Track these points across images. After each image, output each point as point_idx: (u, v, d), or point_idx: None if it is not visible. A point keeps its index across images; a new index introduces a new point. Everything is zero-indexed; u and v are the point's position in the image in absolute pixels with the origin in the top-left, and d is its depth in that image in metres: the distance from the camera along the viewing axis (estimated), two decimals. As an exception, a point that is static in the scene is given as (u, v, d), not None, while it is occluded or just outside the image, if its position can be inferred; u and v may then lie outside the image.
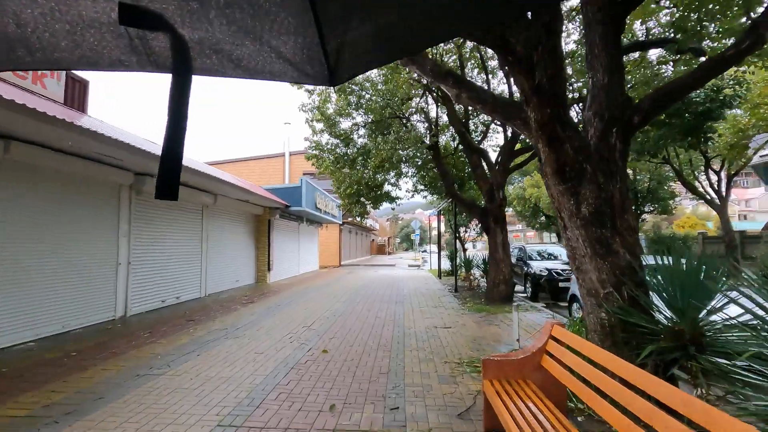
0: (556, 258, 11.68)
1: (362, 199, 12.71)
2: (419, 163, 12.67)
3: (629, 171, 19.25)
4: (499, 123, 11.28)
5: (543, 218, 33.08)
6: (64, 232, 6.48)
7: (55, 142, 5.80)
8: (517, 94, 8.52)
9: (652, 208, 20.42)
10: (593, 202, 3.53)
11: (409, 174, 13.55)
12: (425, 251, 60.78)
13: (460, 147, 11.73)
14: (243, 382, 4.20)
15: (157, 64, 0.95)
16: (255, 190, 12.40)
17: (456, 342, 5.92)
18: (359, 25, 1.02)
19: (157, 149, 6.77)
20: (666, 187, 19.43)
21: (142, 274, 8.28)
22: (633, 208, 18.34)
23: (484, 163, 10.27)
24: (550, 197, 3.92)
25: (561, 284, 10.08)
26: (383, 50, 1.19)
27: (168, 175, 0.80)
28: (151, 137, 10.65)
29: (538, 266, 10.70)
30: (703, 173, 18.23)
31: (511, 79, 7.50)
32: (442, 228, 25.78)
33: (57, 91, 7.77)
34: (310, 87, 10.60)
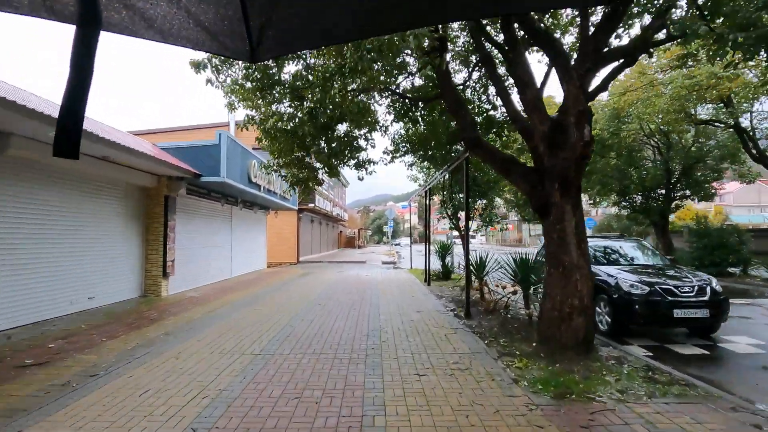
0: (628, 260, 7.00)
1: (310, 159, 7.59)
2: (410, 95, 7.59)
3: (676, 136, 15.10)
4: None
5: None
6: None
7: None
8: None
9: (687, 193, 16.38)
10: None
11: (388, 123, 8.45)
12: (399, 244, 56.13)
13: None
14: None
15: (54, 11, 0.87)
16: (114, 138, 6.94)
17: None
18: (288, 4, 1.00)
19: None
20: (714, 160, 15.33)
21: None
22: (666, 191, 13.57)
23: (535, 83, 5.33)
24: None
25: (677, 312, 5.38)
26: (313, 34, 1.13)
27: (67, 132, 0.77)
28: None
29: (625, 278, 5.94)
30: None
31: None
32: (415, 220, 20.84)
33: None
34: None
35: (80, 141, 0.81)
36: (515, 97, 6.15)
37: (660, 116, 12.49)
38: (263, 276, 14.51)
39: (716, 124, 14.01)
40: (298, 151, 7.09)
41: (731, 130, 13.46)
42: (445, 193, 11.11)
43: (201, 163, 9.73)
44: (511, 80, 6.58)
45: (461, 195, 11.28)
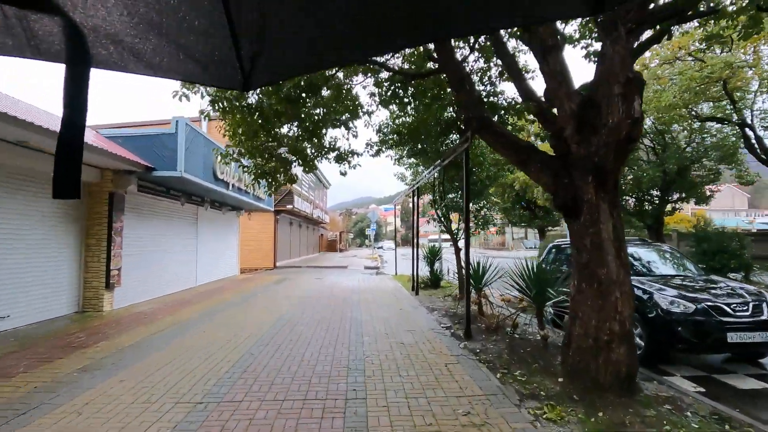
0: (658, 270, 6.00)
1: (278, 145, 6.34)
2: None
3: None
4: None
5: (526, 211, 28.42)
6: None
7: None
8: None
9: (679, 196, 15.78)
10: None
11: (373, 108, 7.26)
12: (381, 248, 54.91)
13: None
14: None
15: (41, 51, 0.87)
16: (32, 119, 5.53)
17: None
18: (278, 32, 0.99)
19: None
20: (711, 161, 14.71)
21: None
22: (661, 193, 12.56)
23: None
24: None
25: (732, 336, 4.37)
26: (306, 60, 1.13)
27: (67, 171, 0.76)
28: None
29: (663, 293, 4.89)
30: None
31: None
32: (399, 223, 19.66)
33: None
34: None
35: (80, 180, 0.80)
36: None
37: (662, 113, 11.74)
38: (233, 284, 13.06)
39: (722, 122, 13.36)
40: (263, 134, 5.83)
41: (736, 128, 12.86)
42: (436, 191, 9.98)
43: (155, 155, 8.32)
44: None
45: (451, 195, 10.19)
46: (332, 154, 7.10)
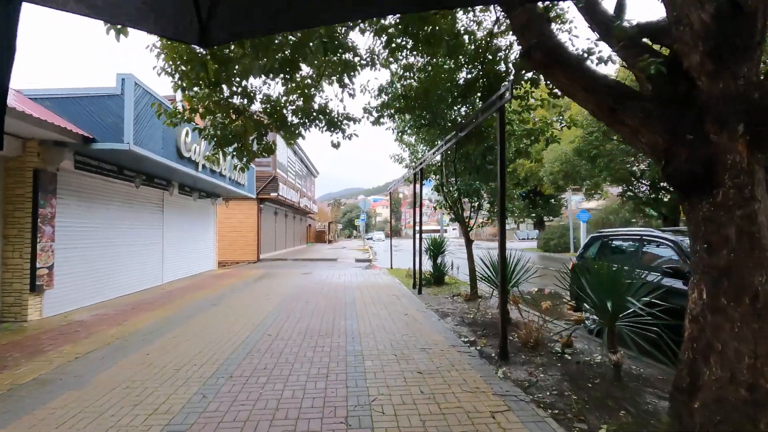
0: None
1: (261, 115, 4.73)
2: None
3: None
4: None
5: (524, 200, 27.14)
6: None
7: None
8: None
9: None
10: None
11: (378, 58, 5.57)
12: (371, 239, 53.33)
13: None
14: None
15: None
16: None
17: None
18: None
19: None
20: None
21: None
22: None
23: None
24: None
25: None
26: (273, 16, 1.02)
27: None
28: None
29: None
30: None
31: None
32: (387, 213, 17.92)
33: None
34: None
35: (2, 130, 0.77)
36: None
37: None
38: (207, 280, 11.39)
39: None
40: (225, 82, 4.18)
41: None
42: (445, 172, 8.43)
43: (95, 123, 6.57)
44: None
45: (455, 180, 8.60)
46: (322, 120, 5.46)
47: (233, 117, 4.64)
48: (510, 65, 5.42)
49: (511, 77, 4.96)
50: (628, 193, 15.88)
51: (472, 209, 8.38)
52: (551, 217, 27.59)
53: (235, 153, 5.11)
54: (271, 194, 20.04)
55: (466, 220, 8.34)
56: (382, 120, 6.54)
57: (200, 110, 4.54)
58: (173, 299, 8.28)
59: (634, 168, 14.20)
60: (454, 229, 58.38)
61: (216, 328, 5.84)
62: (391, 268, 14.99)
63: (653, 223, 16.51)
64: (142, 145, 6.99)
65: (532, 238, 50.21)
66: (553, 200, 27.01)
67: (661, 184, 14.84)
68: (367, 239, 48.09)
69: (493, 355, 4.63)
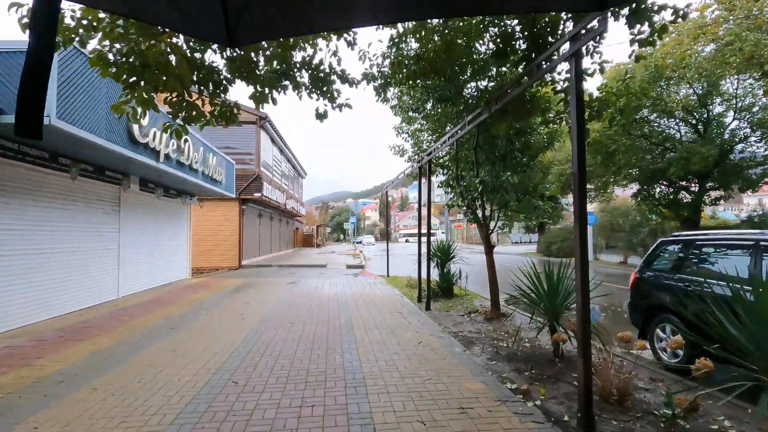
0: None
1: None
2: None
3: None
4: None
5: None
6: None
7: None
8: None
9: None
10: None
11: None
12: (361, 242, 51.61)
13: None
14: None
15: None
16: None
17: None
18: None
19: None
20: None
21: None
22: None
23: None
24: None
25: None
26: (298, 19, 1.10)
27: (29, 107, 0.71)
28: None
29: None
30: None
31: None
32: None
33: None
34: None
35: (43, 118, 0.74)
36: None
37: (734, 68, 9.12)
38: (175, 293, 9.65)
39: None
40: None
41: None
42: (461, 165, 6.93)
43: (6, 91, 4.88)
44: None
45: (476, 172, 7.06)
46: (305, 75, 3.88)
47: (158, 46, 2.98)
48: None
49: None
50: (644, 193, 14.66)
51: (493, 209, 6.88)
52: (551, 220, 26.38)
53: (169, 107, 3.46)
54: (255, 195, 18.32)
55: (487, 222, 6.84)
56: (389, 89, 4.98)
57: (104, 26, 2.90)
58: (123, 321, 6.57)
59: (656, 165, 12.96)
60: (443, 233, 56.84)
61: (164, 369, 4.19)
62: (388, 275, 13.43)
63: (667, 225, 15.35)
64: (74, 122, 5.31)
65: (526, 242, 49.22)
66: (553, 202, 25.82)
67: (682, 183, 13.64)
68: (357, 243, 46.41)
69: (566, 418, 3.12)
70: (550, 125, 6.15)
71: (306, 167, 36.17)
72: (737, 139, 12.70)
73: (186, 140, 9.04)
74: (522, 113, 5.04)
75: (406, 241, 65.35)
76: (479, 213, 6.81)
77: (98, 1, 0.92)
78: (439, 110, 6.36)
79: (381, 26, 4.54)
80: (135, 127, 6.80)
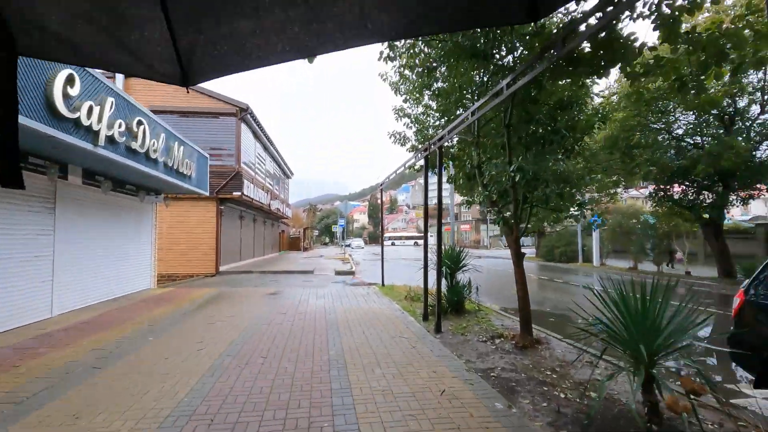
0: None
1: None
2: None
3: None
4: None
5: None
6: None
7: None
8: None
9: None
10: None
11: None
12: (350, 246, 49.78)
13: None
14: None
15: None
16: None
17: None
18: (214, 27, 0.95)
19: None
20: None
21: None
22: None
23: None
24: None
25: None
26: (244, 56, 1.08)
27: (7, 161, 0.76)
28: None
29: None
30: None
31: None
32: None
33: None
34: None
35: (21, 170, 0.79)
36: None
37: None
38: (124, 311, 7.90)
39: None
40: None
41: None
42: (487, 150, 5.45)
43: None
44: None
45: (509, 159, 5.53)
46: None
47: None
48: None
49: None
50: (660, 193, 13.41)
51: (525, 206, 5.39)
52: (551, 224, 25.21)
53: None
54: (234, 194, 16.59)
55: (518, 222, 5.33)
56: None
57: None
58: (30, 355, 4.86)
59: (679, 162, 11.69)
60: (431, 236, 55.20)
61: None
62: (383, 285, 11.87)
63: (683, 228, 14.15)
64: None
65: (524, 245, 48.14)
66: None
67: (705, 183, 12.42)
68: (345, 246, 44.65)
69: None
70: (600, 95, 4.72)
71: (293, 169, 34.37)
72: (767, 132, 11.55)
73: (140, 122, 7.36)
74: (608, 58, 3.40)
75: (392, 244, 63.65)
76: (506, 211, 5.31)
77: (49, 54, 0.88)
78: (461, 75, 4.80)
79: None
80: (57, 93, 5.11)
